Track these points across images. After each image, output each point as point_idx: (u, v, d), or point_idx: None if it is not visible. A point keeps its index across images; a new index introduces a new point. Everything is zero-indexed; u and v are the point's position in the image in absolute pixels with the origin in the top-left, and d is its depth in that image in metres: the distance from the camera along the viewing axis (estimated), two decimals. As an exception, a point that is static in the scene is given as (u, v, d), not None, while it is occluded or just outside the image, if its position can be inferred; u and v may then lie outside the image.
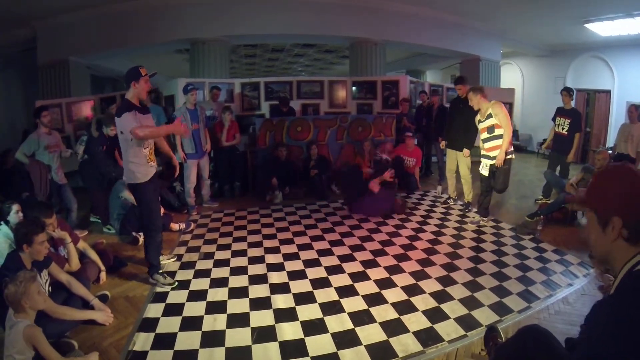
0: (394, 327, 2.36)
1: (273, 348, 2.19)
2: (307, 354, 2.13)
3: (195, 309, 2.63)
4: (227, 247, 3.73)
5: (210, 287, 2.93)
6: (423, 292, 2.79)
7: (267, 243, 3.77)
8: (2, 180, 4.71)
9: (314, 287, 2.89)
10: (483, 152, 4.13)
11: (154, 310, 2.62)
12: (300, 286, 2.91)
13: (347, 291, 2.81)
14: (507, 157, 3.93)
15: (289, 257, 3.44)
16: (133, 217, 3.89)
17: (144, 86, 2.75)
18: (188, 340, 2.28)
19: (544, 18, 7.07)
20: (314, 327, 2.38)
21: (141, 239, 3.75)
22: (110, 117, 3.93)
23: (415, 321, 2.43)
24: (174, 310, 2.62)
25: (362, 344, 2.20)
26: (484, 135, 4.04)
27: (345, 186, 5.24)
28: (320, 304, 2.64)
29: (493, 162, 3.96)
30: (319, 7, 7.04)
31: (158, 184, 3.13)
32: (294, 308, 2.60)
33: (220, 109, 5.60)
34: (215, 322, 2.46)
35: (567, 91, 5.04)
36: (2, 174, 4.84)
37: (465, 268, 3.16)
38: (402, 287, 2.85)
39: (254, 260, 3.39)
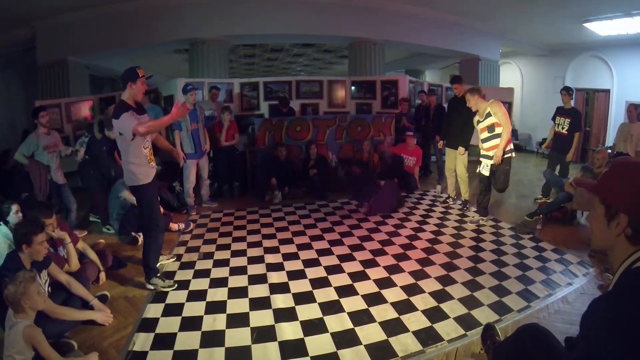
0: (393, 327, 2.36)
1: (273, 348, 2.19)
2: (306, 354, 2.13)
3: (194, 309, 2.63)
4: (226, 247, 3.73)
5: (210, 287, 2.93)
6: (423, 291, 2.79)
7: (267, 243, 3.77)
8: (1, 180, 4.71)
9: (313, 286, 2.89)
10: (483, 152, 4.13)
11: (154, 310, 2.62)
12: (299, 286, 2.91)
13: (346, 291, 2.81)
14: (507, 155, 3.93)
15: (288, 257, 3.44)
16: (132, 217, 3.88)
17: (140, 87, 2.74)
18: (188, 341, 2.28)
19: (544, 18, 7.08)
20: (313, 327, 2.38)
21: (140, 239, 3.75)
22: (111, 120, 3.92)
23: (415, 321, 2.43)
24: (173, 310, 2.62)
25: (361, 344, 2.20)
26: (484, 134, 4.04)
27: (358, 186, 5.22)
28: (319, 304, 2.64)
29: (493, 161, 3.96)
30: (319, 7, 7.04)
31: (157, 184, 3.12)
32: (293, 308, 2.60)
33: (219, 109, 5.59)
34: (215, 322, 2.46)
35: (566, 90, 5.04)
36: (2, 174, 4.84)
37: (464, 267, 3.17)
38: (401, 287, 2.85)
39: (253, 260, 3.39)
